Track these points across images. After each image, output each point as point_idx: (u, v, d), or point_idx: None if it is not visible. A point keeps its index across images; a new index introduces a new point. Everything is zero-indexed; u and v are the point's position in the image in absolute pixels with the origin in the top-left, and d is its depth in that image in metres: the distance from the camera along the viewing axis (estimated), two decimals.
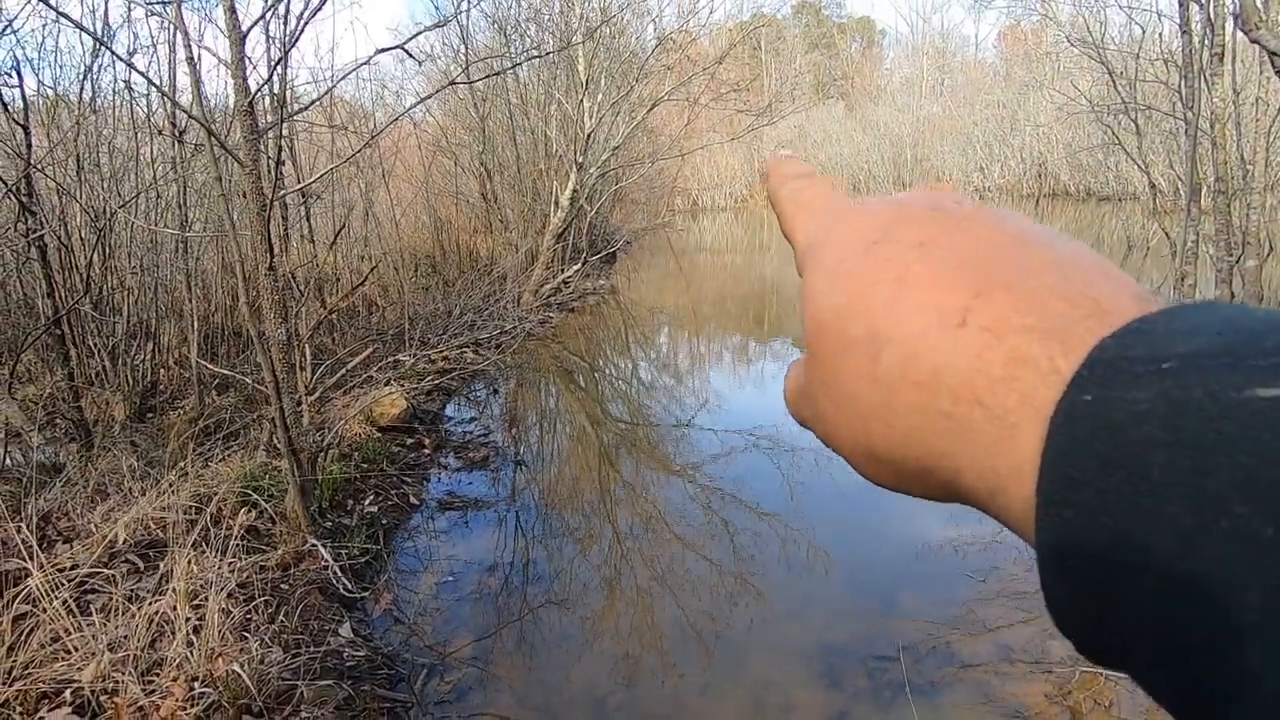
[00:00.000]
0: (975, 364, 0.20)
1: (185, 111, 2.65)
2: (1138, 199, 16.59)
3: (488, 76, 4.74)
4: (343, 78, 2.67)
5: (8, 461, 3.92)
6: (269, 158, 3.45)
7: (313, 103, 2.90)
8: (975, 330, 0.20)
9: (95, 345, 5.30)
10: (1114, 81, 7.80)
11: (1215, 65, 6.71)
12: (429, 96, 2.55)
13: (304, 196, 6.65)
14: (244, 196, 2.80)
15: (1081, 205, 20.67)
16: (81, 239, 5.12)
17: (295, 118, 4.40)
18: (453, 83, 2.87)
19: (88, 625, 2.05)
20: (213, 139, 2.37)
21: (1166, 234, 7.67)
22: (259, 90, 2.53)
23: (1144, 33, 8.54)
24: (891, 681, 2.63)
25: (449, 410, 5.94)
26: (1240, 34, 3.36)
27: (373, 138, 3.39)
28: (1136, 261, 11.93)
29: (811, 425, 0.27)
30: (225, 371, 3.92)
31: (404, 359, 6.22)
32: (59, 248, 5.01)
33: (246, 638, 2.16)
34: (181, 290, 5.35)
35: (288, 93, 4.94)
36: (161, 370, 5.67)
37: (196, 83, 2.38)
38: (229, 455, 4.11)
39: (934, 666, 2.70)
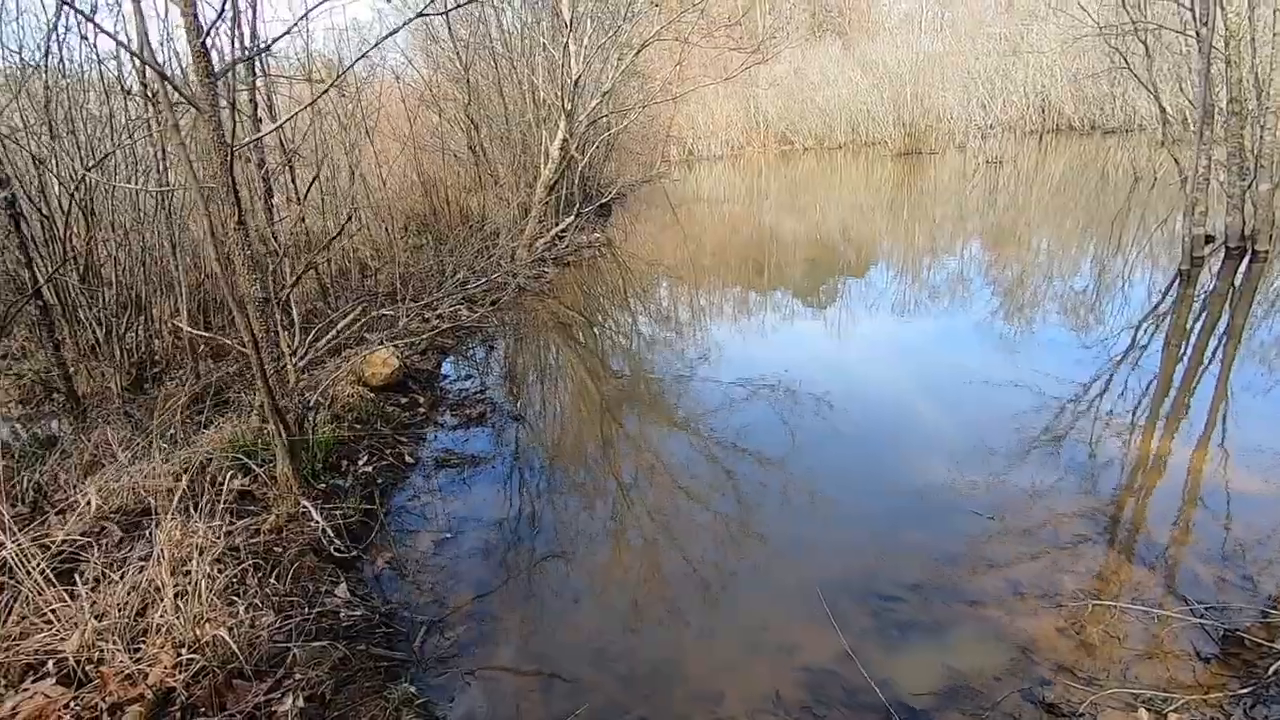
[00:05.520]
0: None
1: (136, 55, 2.49)
2: (1143, 130, 16.16)
3: (459, 6, 4.52)
4: (309, 11, 2.49)
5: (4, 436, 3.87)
6: (231, 105, 3.29)
7: (275, 40, 2.73)
8: None
9: (86, 318, 5.20)
10: (1123, 1, 7.46)
11: None
12: (397, 30, 2.39)
13: (285, 154, 6.45)
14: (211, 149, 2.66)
15: (1085, 139, 20.15)
16: (61, 208, 4.98)
17: (258, 57, 4.21)
18: (421, 14, 2.69)
19: (73, 596, 2.00)
20: (165, 82, 2.23)
21: (1176, 161, 7.43)
22: (212, 27, 2.37)
23: None
24: (898, 620, 2.59)
25: (445, 368, 5.86)
26: None
27: (339, 76, 3.23)
28: (1143, 194, 11.64)
29: None
30: (210, 335, 3.83)
31: (392, 314, 6.12)
32: (40, 219, 4.88)
33: (235, 602, 2.11)
34: (169, 258, 5.22)
35: (254, 39, 4.73)
36: (155, 340, 5.58)
37: (140, 15, 2.21)
38: (223, 421, 4.05)
39: (941, 604, 2.66)
